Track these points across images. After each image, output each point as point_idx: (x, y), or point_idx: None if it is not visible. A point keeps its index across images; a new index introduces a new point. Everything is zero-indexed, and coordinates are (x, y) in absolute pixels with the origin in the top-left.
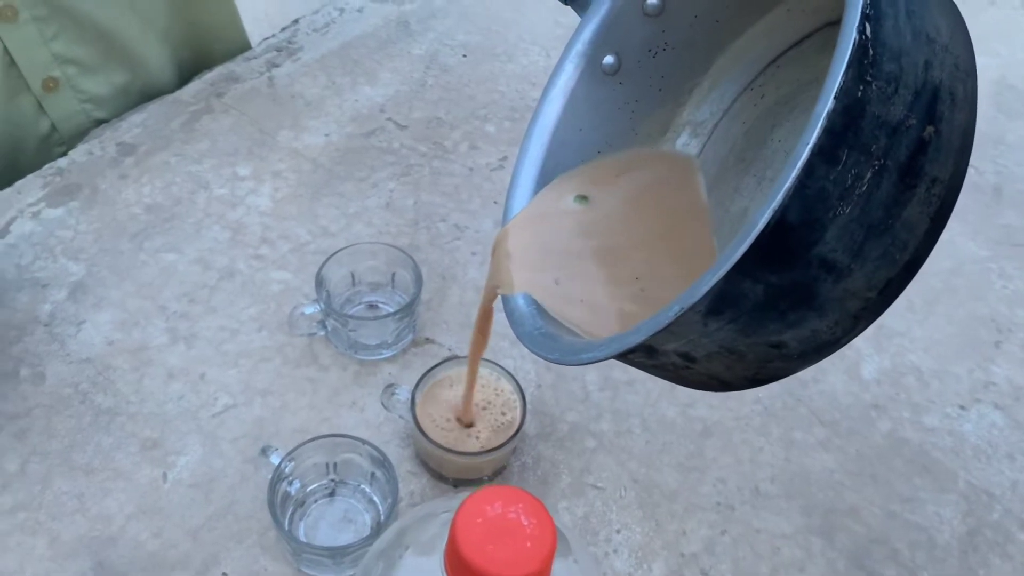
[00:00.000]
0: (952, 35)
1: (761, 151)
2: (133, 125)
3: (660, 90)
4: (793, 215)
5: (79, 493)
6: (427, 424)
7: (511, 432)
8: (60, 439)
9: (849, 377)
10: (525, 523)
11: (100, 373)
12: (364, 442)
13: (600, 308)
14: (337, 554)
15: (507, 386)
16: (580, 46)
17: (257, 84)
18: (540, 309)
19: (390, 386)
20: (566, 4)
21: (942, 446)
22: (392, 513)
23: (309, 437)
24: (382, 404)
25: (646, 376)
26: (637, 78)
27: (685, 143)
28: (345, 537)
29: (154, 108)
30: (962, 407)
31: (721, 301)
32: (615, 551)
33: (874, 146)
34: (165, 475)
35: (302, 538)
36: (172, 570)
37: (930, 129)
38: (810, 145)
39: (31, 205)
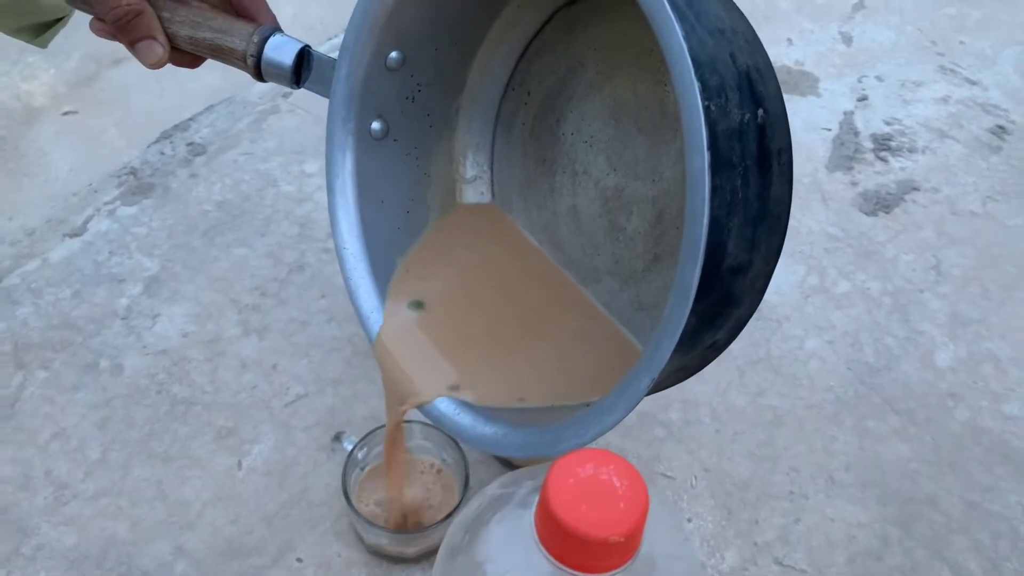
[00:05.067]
0: (727, 12)
1: (557, 147)
2: (203, 125)
3: (431, 127)
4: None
5: (158, 480)
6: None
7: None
8: (139, 428)
9: (923, 365)
10: (617, 484)
11: (176, 364)
12: (435, 427)
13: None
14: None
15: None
16: (342, 126)
17: None
18: (466, 407)
19: None
20: (299, 88)
21: None
22: (463, 499)
23: (381, 424)
24: None
25: (715, 365)
26: (407, 127)
27: (473, 163)
28: None
29: (222, 109)
30: None
31: None
32: (686, 540)
33: (734, 157)
34: (240, 463)
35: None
36: (248, 555)
37: (761, 112)
38: (707, 201)
39: (107, 204)
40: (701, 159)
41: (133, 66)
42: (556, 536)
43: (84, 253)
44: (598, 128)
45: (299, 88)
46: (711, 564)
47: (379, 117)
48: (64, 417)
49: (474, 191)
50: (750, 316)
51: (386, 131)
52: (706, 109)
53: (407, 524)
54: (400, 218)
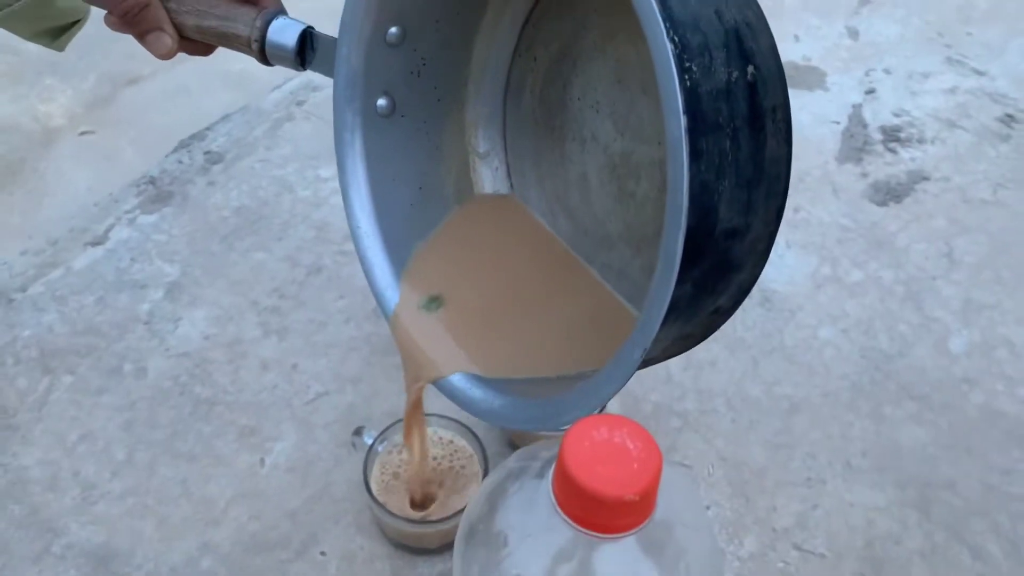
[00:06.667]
0: None
1: (566, 114)
2: (219, 134)
3: (439, 100)
4: (691, 221)
5: (183, 479)
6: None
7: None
8: (163, 429)
9: (937, 351)
10: (631, 447)
11: (198, 366)
12: (455, 420)
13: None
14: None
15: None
16: (347, 106)
17: None
18: (478, 381)
19: None
20: (304, 69)
21: None
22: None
23: (400, 419)
24: None
25: (729, 355)
26: (414, 103)
27: (485, 137)
28: None
29: (238, 117)
30: None
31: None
32: (704, 513)
33: (720, 118)
34: (263, 460)
35: None
36: (273, 550)
37: (751, 69)
38: (685, 167)
39: (127, 212)
40: (678, 124)
41: (148, 85)
42: (573, 497)
43: (106, 261)
44: (603, 91)
45: (304, 70)
46: (730, 551)
47: (384, 94)
48: (90, 420)
49: (487, 166)
50: (754, 280)
51: (392, 108)
52: (686, 70)
53: (427, 502)
54: (414, 194)
